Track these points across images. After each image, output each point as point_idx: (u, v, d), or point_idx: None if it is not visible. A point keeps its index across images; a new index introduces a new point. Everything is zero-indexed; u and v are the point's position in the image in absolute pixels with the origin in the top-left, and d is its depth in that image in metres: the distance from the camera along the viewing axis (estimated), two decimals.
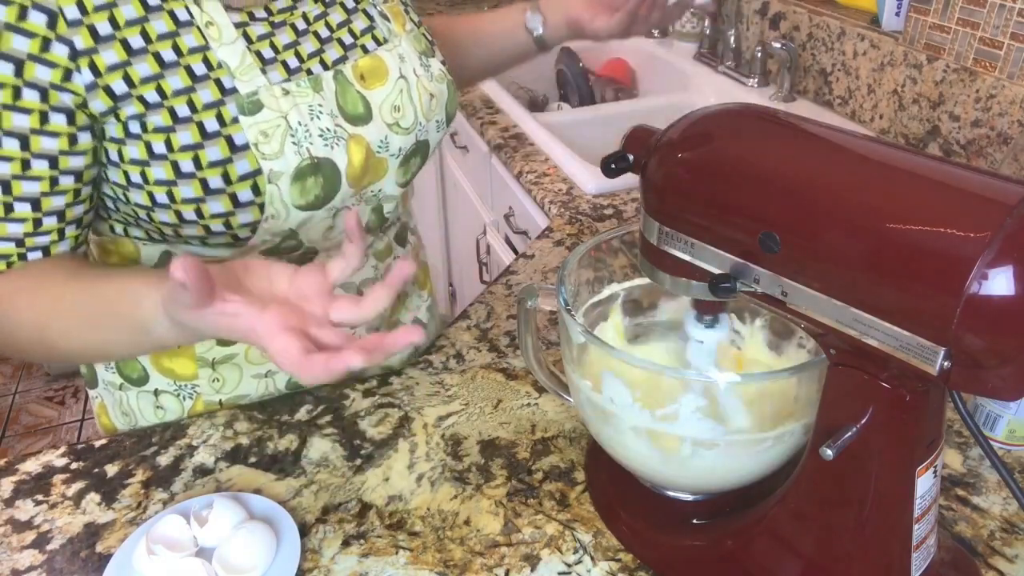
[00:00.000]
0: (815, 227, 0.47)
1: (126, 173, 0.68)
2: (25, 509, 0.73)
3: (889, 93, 1.38)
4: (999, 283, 0.40)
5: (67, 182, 0.67)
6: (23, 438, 2.42)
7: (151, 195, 0.68)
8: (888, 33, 1.37)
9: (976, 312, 0.41)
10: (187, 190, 0.67)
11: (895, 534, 0.53)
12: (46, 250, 0.68)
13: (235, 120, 0.67)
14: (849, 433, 0.50)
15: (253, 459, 0.78)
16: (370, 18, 0.78)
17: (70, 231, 0.69)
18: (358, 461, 0.77)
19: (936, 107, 1.29)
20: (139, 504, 0.73)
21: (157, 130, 0.66)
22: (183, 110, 0.66)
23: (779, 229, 0.48)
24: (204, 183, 0.67)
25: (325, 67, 0.73)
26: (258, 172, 0.68)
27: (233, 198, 0.68)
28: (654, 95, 1.90)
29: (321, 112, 0.71)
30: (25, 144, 0.63)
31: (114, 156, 0.67)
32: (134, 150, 0.67)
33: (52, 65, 0.62)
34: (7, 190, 0.64)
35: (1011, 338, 0.42)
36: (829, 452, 0.49)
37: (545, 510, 0.71)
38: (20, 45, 0.61)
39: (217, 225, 0.70)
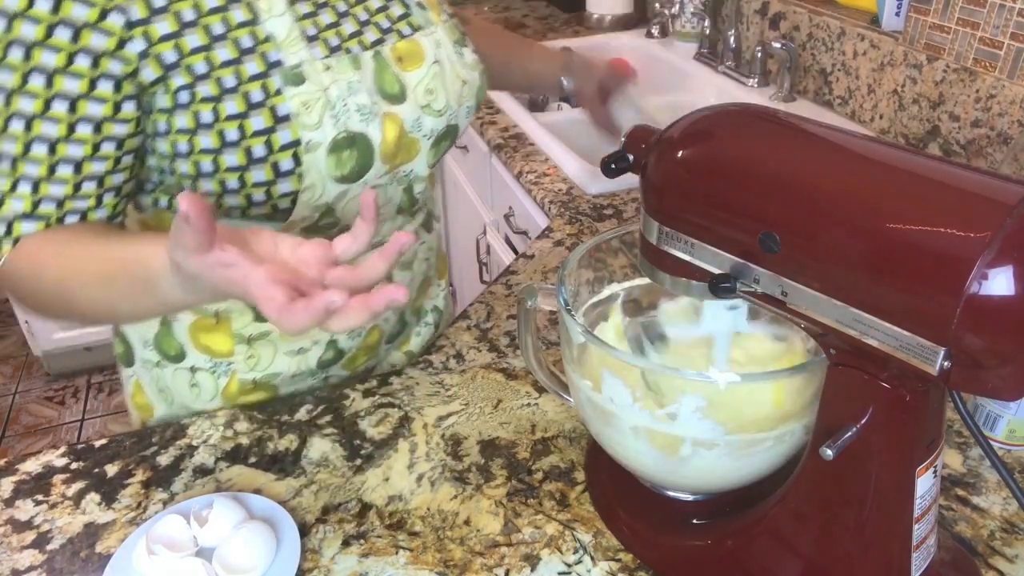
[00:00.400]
0: (815, 227, 0.47)
1: (174, 143, 0.71)
2: (25, 509, 0.73)
3: (889, 93, 1.38)
4: (999, 283, 0.40)
5: (108, 149, 0.69)
6: (23, 438, 2.42)
7: (197, 164, 0.71)
8: (888, 33, 1.37)
9: (976, 312, 0.41)
10: (231, 158, 0.70)
11: (895, 534, 0.53)
12: (83, 215, 0.71)
13: (279, 92, 0.70)
14: (849, 433, 0.50)
15: (253, 459, 0.78)
16: (406, 6, 0.81)
17: (108, 198, 0.72)
18: (358, 461, 0.77)
19: (936, 107, 1.29)
20: (139, 504, 0.73)
21: (205, 100, 0.69)
22: (230, 81, 0.69)
23: (779, 229, 0.48)
24: (248, 152, 0.70)
25: (363, 48, 0.76)
26: (298, 143, 0.71)
27: (275, 167, 0.71)
28: (654, 95, 1.90)
29: (359, 88, 0.74)
30: (73, 108, 0.66)
31: (163, 127, 0.70)
32: (182, 120, 0.69)
33: (108, 33, 0.65)
34: (52, 151, 0.67)
35: (1011, 338, 0.42)
36: (829, 452, 0.49)
37: (545, 510, 0.71)
38: (79, 13, 0.63)
39: (258, 194, 0.73)
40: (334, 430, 0.81)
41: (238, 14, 0.69)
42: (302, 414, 0.83)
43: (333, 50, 0.73)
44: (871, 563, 0.55)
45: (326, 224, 0.79)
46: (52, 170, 0.67)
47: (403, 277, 0.91)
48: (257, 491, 0.73)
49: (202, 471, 0.77)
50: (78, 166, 0.68)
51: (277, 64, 0.70)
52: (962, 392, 0.46)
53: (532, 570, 0.66)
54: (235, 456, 0.78)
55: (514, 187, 1.51)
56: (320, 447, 0.79)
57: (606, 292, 0.74)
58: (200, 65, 0.68)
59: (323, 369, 0.89)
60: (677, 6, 1.91)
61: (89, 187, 0.70)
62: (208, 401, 0.88)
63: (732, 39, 1.72)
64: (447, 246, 2.22)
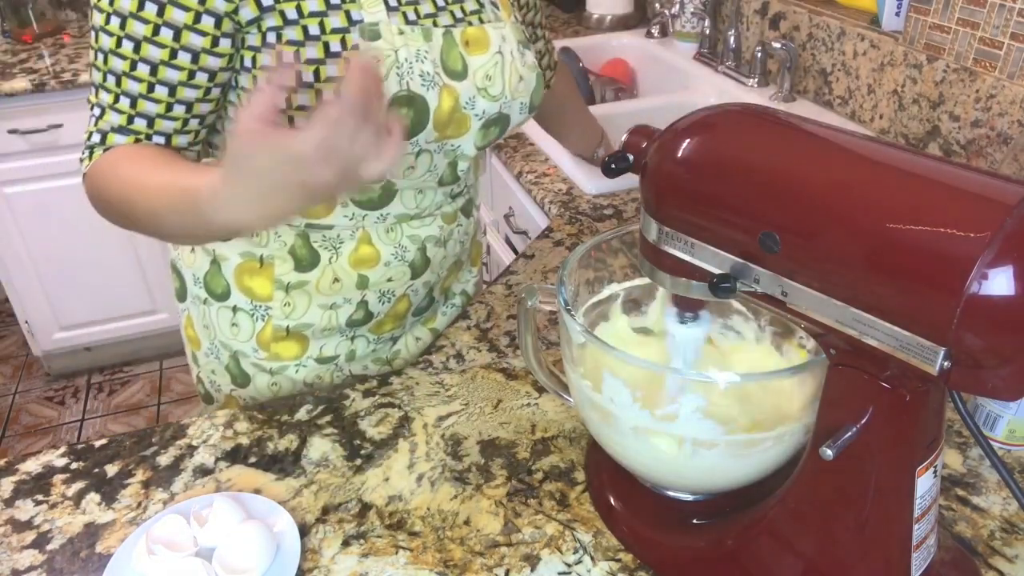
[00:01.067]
0: (815, 227, 0.47)
1: (255, 78, 0.78)
2: (25, 509, 0.73)
3: (889, 93, 1.38)
4: (999, 283, 0.40)
5: (202, 78, 0.76)
6: (23, 438, 2.42)
7: None
8: (888, 33, 1.37)
9: (976, 312, 0.41)
10: (303, 98, 0.77)
11: (895, 534, 0.53)
12: (168, 137, 0.78)
13: (355, 47, 0.77)
14: (849, 433, 0.50)
15: (253, 459, 0.78)
16: (480, 3, 0.87)
17: (193, 124, 0.79)
18: (358, 461, 0.77)
19: (936, 107, 1.29)
20: (139, 504, 0.73)
21: (289, 43, 0.76)
22: (314, 29, 0.76)
23: (779, 229, 0.48)
24: (319, 94, 0.77)
25: (436, 27, 0.82)
26: None
27: None
28: (654, 95, 1.90)
29: (426, 57, 0.80)
30: (177, 36, 0.73)
31: (248, 63, 0.77)
32: (267, 59, 0.77)
33: None
34: (154, 72, 0.74)
35: (1011, 338, 0.42)
36: (829, 452, 0.49)
37: (545, 510, 0.71)
38: None
39: None
40: (334, 430, 0.81)
41: None
42: (302, 414, 0.83)
43: (410, 23, 0.80)
44: (871, 563, 0.55)
45: (367, 200, 0.86)
46: (151, 88, 0.75)
47: (436, 253, 0.95)
48: (257, 491, 0.73)
49: (202, 471, 0.77)
50: (173, 90, 0.76)
51: (359, 22, 0.77)
52: (962, 392, 0.46)
53: (532, 570, 0.66)
54: (235, 456, 0.78)
55: (514, 187, 1.51)
56: (320, 447, 0.79)
57: (606, 292, 0.74)
58: (291, 11, 0.75)
59: (352, 328, 0.95)
60: (677, 6, 1.91)
61: (179, 110, 0.77)
62: (244, 342, 0.94)
63: (732, 39, 1.72)
64: None
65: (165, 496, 0.74)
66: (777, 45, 1.56)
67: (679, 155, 0.55)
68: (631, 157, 0.59)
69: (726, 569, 0.62)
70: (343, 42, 0.77)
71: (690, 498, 0.69)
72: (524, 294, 0.69)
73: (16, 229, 2.24)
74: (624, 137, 0.60)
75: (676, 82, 1.85)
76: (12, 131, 2.12)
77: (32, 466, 0.78)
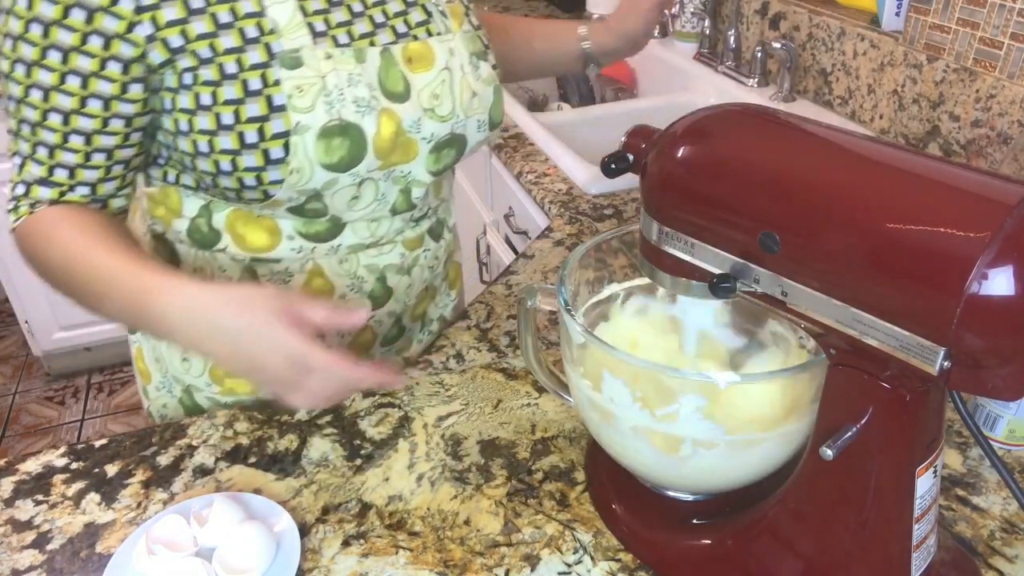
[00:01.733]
0: (815, 227, 0.47)
1: (176, 121, 0.74)
2: (25, 509, 0.73)
3: (889, 93, 1.38)
4: (999, 283, 0.40)
5: (117, 125, 0.74)
6: (23, 438, 2.42)
7: (195, 143, 0.74)
8: (888, 33, 1.37)
9: (976, 312, 0.41)
10: (226, 141, 0.73)
11: (895, 534, 0.53)
12: (94, 187, 0.76)
13: (277, 82, 0.72)
14: (849, 433, 0.50)
15: (253, 459, 0.78)
16: (428, 13, 0.82)
17: (116, 170, 0.77)
18: (358, 461, 0.77)
19: (936, 107, 1.29)
20: (139, 504, 0.73)
21: (206, 83, 0.72)
22: (231, 67, 0.72)
23: (779, 229, 0.48)
24: (241, 136, 0.73)
25: (373, 47, 0.77)
26: (290, 133, 0.72)
27: (265, 154, 0.73)
28: (654, 95, 1.90)
29: (359, 81, 0.75)
30: (85, 84, 0.71)
31: (168, 104, 0.74)
32: (185, 99, 0.73)
33: (119, 17, 0.69)
34: (66, 121, 0.72)
35: (1011, 338, 0.42)
36: (829, 452, 0.49)
37: (545, 510, 0.71)
38: None
39: (249, 179, 0.75)
40: (334, 430, 0.81)
41: (246, 5, 0.72)
42: (302, 414, 0.83)
43: (340, 46, 0.75)
44: (871, 563, 0.55)
45: (313, 210, 0.80)
46: (65, 139, 0.73)
47: (399, 281, 0.91)
48: (257, 491, 0.73)
49: (202, 471, 0.77)
50: (88, 138, 0.73)
51: (279, 54, 0.72)
52: (962, 392, 0.46)
53: (532, 570, 0.66)
54: (235, 456, 0.78)
55: (514, 187, 1.51)
56: (320, 447, 0.79)
57: (606, 292, 0.74)
58: (205, 50, 0.71)
59: None
60: (677, 6, 1.91)
61: (99, 158, 0.75)
62: (197, 377, 0.90)
63: (732, 39, 1.71)
64: None
65: (165, 496, 0.74)
66: (777, 45, 1.56)
67: (679, 155, 0.55)
68: (631, 157, 0.59)
69: (726, 569, 0.62)
70: (263, 78, 0.72)
71: (690, 498, 0.69)
72: (524, 294, 0.69)
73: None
74: (624, 137, 0.60)
75: (676, 82, 1.85)
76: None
77: (32, 466, 0.78)
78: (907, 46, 1.32)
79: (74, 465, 0.78)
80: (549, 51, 1.12)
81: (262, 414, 0.83)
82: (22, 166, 0.75)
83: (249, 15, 0.72)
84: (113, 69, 0.70)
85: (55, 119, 0.72)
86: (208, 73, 0.71)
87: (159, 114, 0.75)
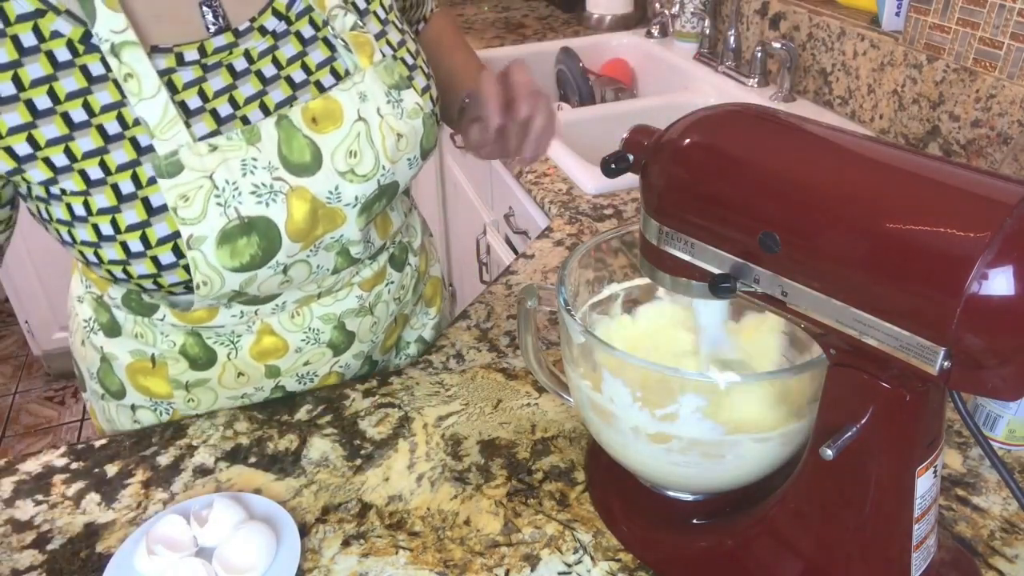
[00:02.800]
0: (815, 227, 0.47)
1: (58, 231, 0.67)
2: (25, 509, 0.73)
3: (889, 93, 1.38)
4: (999, 283, 0.40)
5: None
6: (23, 438, 2.42)
7: (82, 253, 0.67)
8: (888, 33, 1.37)
9: (976, 312, 0.41)
10: (111, 252, 0.65)
11: (895, 534, 0.53)
12: None
13: (152, 180, 0.63)
14: (849, 433, 0.50)
15: (253, 459, 0.78)
16: (331, 48, 0.71)
17: None
18: (358, 461, 0.77)
19: (936, 107, 1.29)
20: (139, 504, 0.73)
21: (73, 194, 0.63)
22: (95, 172, 0.63)
23: (779, 229, 0.48)
24: (124, 246, 0.65)
25: (267, 112, 0.68)
26: (178, 235, 0.65)
27: (155, 261, 0.66)
28: (654, 95, 1.90)
29: (256, 166, 0.66)
30: None
31: (45, 214, 0.66)
32: (58, 210, 0.65)
33: None
34: None
35: (1011, 338, 0.42)
36: (829, 452, 0.49)
37: (545, 510, 0.71)
38: None
39: (148, 284, 0.68)
40: (334, 430, 0.81)
41: (103, 96, 0.62)
42: (302, 414, 0.83)
43: (223, 121, 0.66)
44: (871, 563, 0.55)
45: (246, 299, 0.75)
46: None
47: (360, 323, 0.84)
48: (257, 491, 0.73)
49: (202, 471, 0.77)
50: None
51: (149, 150, 0.63)
52: (962, 392, 0.46)
53: (532, 570, 0.66)
54: (235, 456, 0.78)
55: (514, 187, 1.51)
56: (320, 447, 0.79)
57: (606, 292, 0.74)
58: (59, 157, 0.62)
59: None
60: (677, 6, 1.91)
61: None
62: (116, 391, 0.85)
63: (732, 39, 1.72)
64: (447, 247, 2.22)
65: (165, 496, 0.74)
66: (777, 45, 1.56)
67: (679, 155, 0.55)
68: (631, 157, 0.59)
69: (726, 569, 0.62)
70: (135, 178, 0.62)
71: (690, 498, 0.69)
72: (524, 294, 0.69)
73: (16, 229, 2.23)
74: (624, 137, 0.60)
75: (676, 82, 1.85)
76: None
77: (32, 466, 0.78)
78: (907, 46, 1.32)
79: (74, 465, 0.78)
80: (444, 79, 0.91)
81: (262, 414, 0.83)
82: None
83: (107, 107, 0.62)
84: None
85: None
86: (70, 183, 0.62)
87: (27, 199, 0.67)
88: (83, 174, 0.62)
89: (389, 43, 0.75)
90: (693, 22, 1.90)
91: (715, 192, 0.52)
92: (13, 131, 0.61)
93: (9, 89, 0.60)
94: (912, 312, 0.44)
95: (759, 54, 1.64)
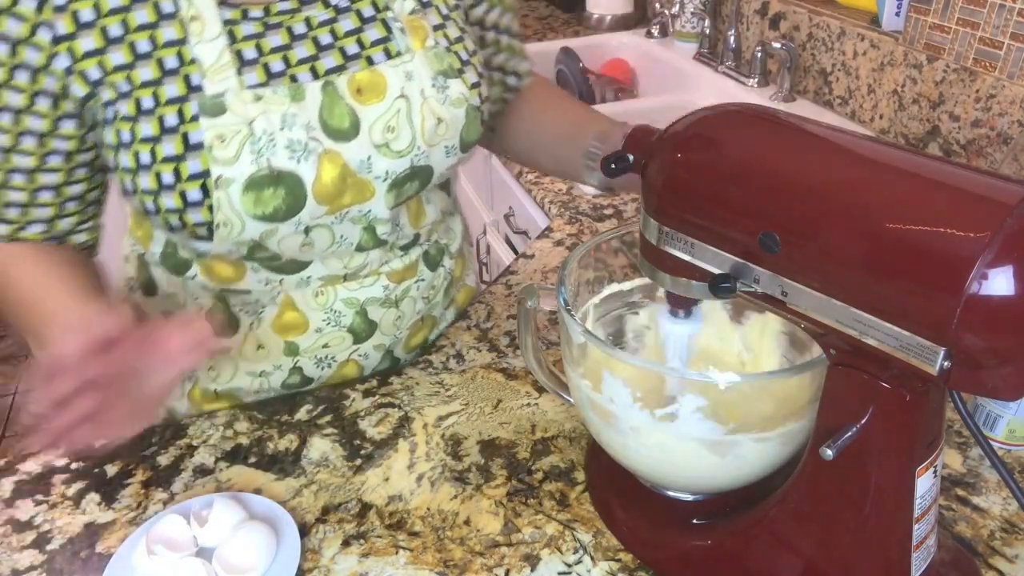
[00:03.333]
0: (815, 227, 0.47)
1: (105, 156, 0.72)
2: (25, 509, 0.73)
3: (889, 93, 1.38)
4: (999, 283, 0.40)
5: (55, 161, 0.71)
6: (23, 438, 2.42)
7: (122, 182, 0.71)
8: (888, 33, 1.37)
9: (976, 312, 0.41)
10: (145, 181, 0.68)
11: (895, 534, 0.53)
12: (49, 224, 0.75)
13: (194, 118, 0.66)
14: (849, 433, 0.50)
15: (253, 459, 0.78)
16: (388, 29, 0.74)
17: (71, 207, 0.75)
18: (358, 461, 0.77)
19: (936, 107, 1.29)
20: (139, 504, 0.73)
21: (124, 119, 0.67)
22: (147, 102, 0.67)
23: (779, 229, 0.48)
24: (158, 176, 0.68)
25: (315, 75, 0.70)
26: (207, 174, 0.67)
27: (183, 195, 0.68)
28: (654, 95, 1.90)
29: (294, 123, 0.68)
30: (16, 120, 0.68)
31: (103, 138, 0.70)
32: (109, 136, 0.69)
33: (39, 48, 0.65)
34: (4, 160, 0.70)
35: (1011, 338, 0.42)
36: (829, 452, 0.49)
37: (545, 510, 0.71)
38: (13, 28, 0.65)
39: (174, 220, 0.70)
40: (334, 430, 0.81)
41: (168, 32, 0.66)
42: (302, 414, 0.83)
43: (273, 76, 0.69)
44: (871, 563, 0.55)
45: (263, 257, 0.76)
46: (8, 178, 0.71)
47: (384, 314, 0.84)
48: (257, 491, 0.73)
49: (202, 471, 0.77)
50: (30, 176, 0.71)
51: (198, 89, 0.66)
52: (962, 392, 0.46)
53: (532, 570, 0.66)
54: (235, 456, 0.78)
55: (514, 187, 1.51)
56: (320, 447, 0.79)
57: (606, 292, 0.74)
58: (122, 83, 0.66)
59: (289, 390, 0.87)
60: (677, 6, 1.91)
61: (46, 196, 0.73)
62: (177, 400, 0.87)
63: (732, 39, 1.72)
64: None
65: (165, 496, 0.74)
66: (777, 45, 1.56)
67: (679, 155, 0.55)
68: (631, 157, 0.59)
69: (726, 569, 0.62)
70: (180, 113, 0.66)
71: (690, 498, 0.69)
72: (524, 294, 0.69)
73: None
74: (624, 137, 0.60)
75: (676, 82, 1.85)
76: None
77: (32, 466, 0.78)
78: (907, 46, 1.32)
79: (74, 465, 0.78)
80: (553, 132, 0.91)
81: (262, 414, 0.83)
82: None
83: (169, 43, 0.66)
84: (42, 104, 0.67)
85: None
86: (125, 108, 0.67)
87: (116, 150, 0.71)
88: (137, 102, 0.67)
89: (446, 36, 0.78)
90: (693, 22, 1.90)
91: (715, 192, 0.52)
92: (87, 56, 0.66)
93: (90, 15, 0.65)
94: (912, 312, 0.44)
95: (759, 54, 1.64)
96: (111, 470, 0.77)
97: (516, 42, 0.93)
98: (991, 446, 0.47)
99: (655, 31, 2.02)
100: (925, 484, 0.52)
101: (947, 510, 0.70)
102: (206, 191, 0.68)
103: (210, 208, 0.68)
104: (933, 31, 1.27)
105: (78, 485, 0.75)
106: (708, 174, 0.53)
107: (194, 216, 0.69)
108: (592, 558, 0.67)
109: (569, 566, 0.66)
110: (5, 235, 0.74)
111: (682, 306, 0.61)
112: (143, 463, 0.78)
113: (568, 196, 1.30)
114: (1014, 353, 0.42)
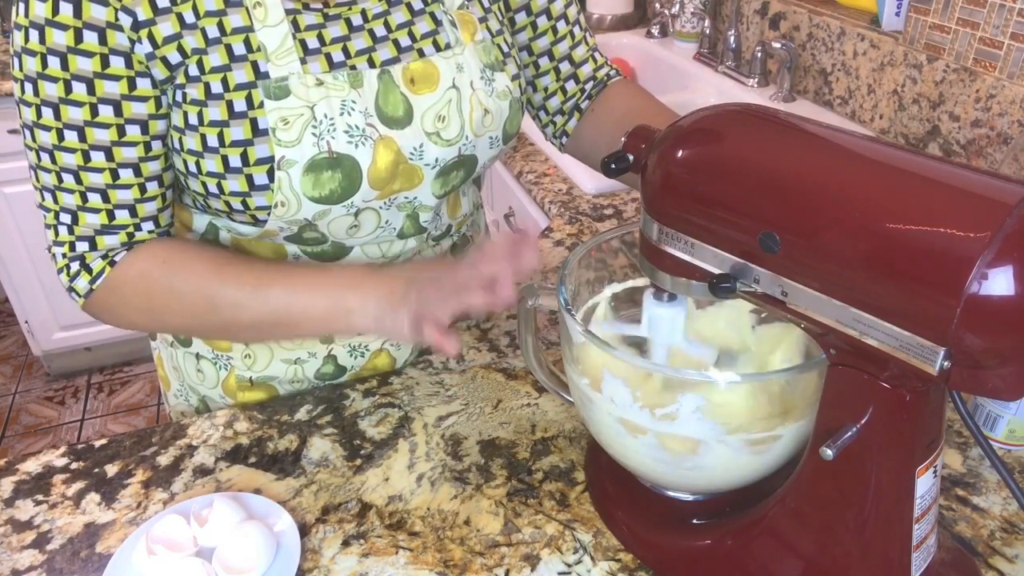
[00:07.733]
0: (815, 227, 0.47)
1: (170, 139, 0.72)
2: (25, 509, 0.73)
3: (889, 93, 1.38)
4: (999, 283, 0.40)
5: (158, 146, 0.71)
6: (23, 438, 2.42)
7: (185, 163, 0.72)
8: (888, 33, 1.37)
9: (976, 312, 0.41)
10: (211, 163, 0.70)
11: (895, 534, 0.53)
12: (156, 219, 0.74)
13: (262, 104, 0.68)
14: (849, 433, 0.50)
15: (253, 459, 0.78)
16: (437, 22, 0.76)
17: (169, 195, 0.76)
18: (358, 461, 0.77)
19: (936, 107, 1.29)
20: (139, 504, 0.73)
21: (192, 102, 0.69)
22: (216, 87, 0.68)
23: (779, 229, 0.48)
24: (225, 160, 0.70)
25: (373, 65, 0.73)
26: (273, 159, 0.69)
27: (249, 179, 0.70)
28: (654, 95, 1.90)
29: (353, 108, 0.71)
30: (118, 110, 0.68)
31: (177, 144, 0.72)
32: (176, 117, 0.70)
33: (123, 33, 0.66)
34: (110, 156, 0.69)
35: (1011, 338, 0.42)
36: (829, 452, 0.49)
37: (545, 510, 0.71)
38: (99, 14, 0.65)
39: (236, 203, 0.72)
40: (334, 430, 0.81)
41: (235, 19, 0.68)
42: (302, 414, 0.83)
43: (335, 66, 0.71)
44: (871, 563, 0.55)
45: (311, 238, 0.78)
46: (115, 175, 0.70)
47: None
48: (257, 491, 0.73)
49: (202, 471, 0.77)
50: (136, 168, 0.71)
51: (266, 76, 0.68)
52: (962, 392, 0.46)
53: (532, 570, 0.66)
54: (235, 456, 0.78)
55: (514, 187, 1.51)
56: (320, 447, 0.79)
57: (606, 292, 0.74)
58: (193, 68, 0.68)
59: (322, 380, 0.89)
60: (677, 6, 1.91)
61: (153, 188, 0.73)
62: (211, 388, 0.90)
63: (732, 39, 1.72)
64: None
65: (165, 496, 0.74)
66: (777, 45, 1.56)
67: (679, 155, 0.55)
68: (631, 157, 0.59)
69: (726, 569, 0.62)
70: (248, 99, 0.68)
71: (690, 498, 0.69)
72: (524, 294, 0.69)
73: (16, 229, 2.24)
74: (624, 137, 0.60)
75: (676, 82, 1.85)
76: (12, 131, 2.12)
77: (32, 466, 0.78)
78: (907, 46, 1.32)
79: (74, 465, 0.78)
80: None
81: (262, 414, 0.83)
82: (71, 224, 0.71)
83: (237, 30, 0.68)
84: (144, 87, 0.68)
85: (98, 157, 0.69)
86: (195, 92, 0.68)
87: (183, 132, 0.72)
88: (207, 87, 0.68)
89: (489, 29, 0.80)
90: (693, 22, 1.90)
91: (715, 192, 0.52)
92: (167, 40, 0.67)
93: (165, 1, 0.67)
94: (912, 312, 0.44)
95: (759, 54, 1.64)
96: (111, 470, 0.77)
97: (590, 38, 0.94)
98: (991, 446, 0.47)
99: (655, 31, 2.02)
100: (925, 484, 0.52)
101: (947, 510, 0.70)
102: (271, 176, 0.70)
103: (273, 192, 0.71)
104: (933, 31, 1.27)
105: (78, 485, 0.75)
106: (708, 174, 0.53)
107: (258, 200, 0.71)
108: (592, 558, 0.67)
109: (569, 566, 0.66)
110: (121, 243, 0.73)
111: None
112: (143, 463, 0.78)
113: (568, 196, 1.30)
114: (1014, 353, 0.42)
